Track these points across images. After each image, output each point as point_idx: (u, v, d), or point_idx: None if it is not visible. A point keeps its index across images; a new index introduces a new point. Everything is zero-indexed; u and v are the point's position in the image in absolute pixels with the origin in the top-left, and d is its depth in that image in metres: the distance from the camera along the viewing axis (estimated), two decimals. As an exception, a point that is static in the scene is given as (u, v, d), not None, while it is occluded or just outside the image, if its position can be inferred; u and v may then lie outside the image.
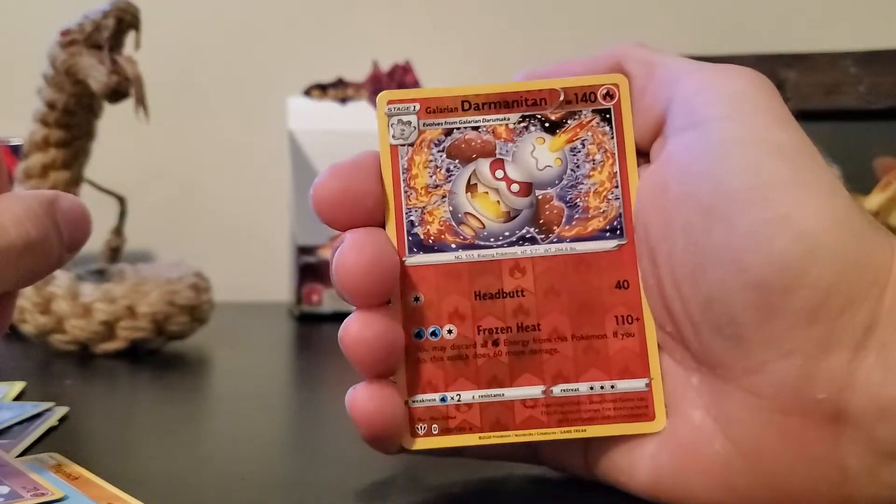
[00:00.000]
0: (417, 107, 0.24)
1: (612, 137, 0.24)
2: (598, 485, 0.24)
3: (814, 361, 0.20)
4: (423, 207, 0.24)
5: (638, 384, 0.23)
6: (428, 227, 0.24)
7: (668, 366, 0.23)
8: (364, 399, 0.23)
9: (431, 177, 0.24)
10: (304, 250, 0.62)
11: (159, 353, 0.47)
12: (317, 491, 0.25)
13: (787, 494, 0.21)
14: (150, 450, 0.29)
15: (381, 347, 0.22)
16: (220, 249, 0.72)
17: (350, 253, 0.22)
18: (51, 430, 0.30)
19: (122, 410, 0.35)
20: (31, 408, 0.32)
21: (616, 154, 0.24)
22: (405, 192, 0.24)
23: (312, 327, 0.59)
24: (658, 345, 0.23)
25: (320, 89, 0.64)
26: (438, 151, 0.24)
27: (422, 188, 0.24)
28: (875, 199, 0.56)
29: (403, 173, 0.24)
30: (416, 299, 0.24)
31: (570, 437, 0.23)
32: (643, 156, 0.24)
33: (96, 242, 0.58)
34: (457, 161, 0.24)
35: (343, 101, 0.63)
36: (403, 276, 0.23)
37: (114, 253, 0.58)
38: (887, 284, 0.19)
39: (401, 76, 0.63)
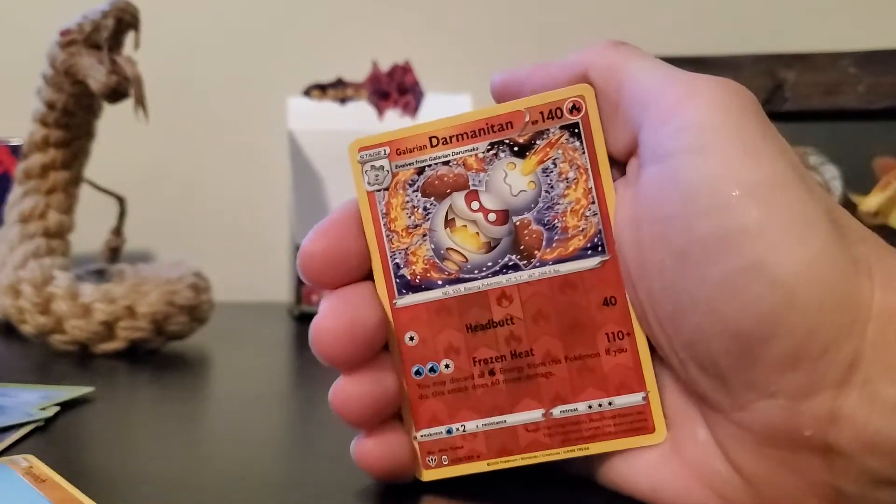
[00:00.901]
0: (388, 150, 0.24)
1: (584, 152, 0.23)
2: (599, 487, 0.24)
3: (797, 403, 0.19)
4: (406, 249, 0.24)
5: (635, 398, 0.23)
6: (413, 267, 0.24)
7: (674, 383, 0.23)
8: (369, 450, 0.24)
9: (410, 217, 0.24)
10: (303, 250, 0.62)
11: (159, 353, 0.47)
12: (317, 491, 0.25)
13: None
14: (150, 450, 0.29)
15: (371, 404, 0.23)
16: (220, 249, 0.72)
17: (325, 320, 0.23)
18: (48, 429, 0.30)
19: (121, 410, 0.35)
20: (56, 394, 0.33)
21: (589, 168, 0.23)
22: (387, 236, 0.24)
23: (312, 327, 0.59)
24: (661, 362, 0.23)
25: (320, 89, 0.64)
26: (413, 191, 0.24)
27: (402, 230, 0.24)
28: (875, 199, 0.56)
29: (383, 218, 0.24)
30: (411, 339, 0.24)
31: (573, 456, 0.24)
32: (620, 166, 0.23)
33: (96, 242, 0.58)
34: (432, 198, 0.24)
35: (343, 101, 0.63)
36: (396, 317, 0.24)
37: (113, 253, 0.58)
38: (869, 319, 0.19)
39: (400, 76, 0.63)
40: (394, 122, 0.63)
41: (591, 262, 0.23)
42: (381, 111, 0.63)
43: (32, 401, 0.33)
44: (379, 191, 0.24)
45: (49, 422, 0.31)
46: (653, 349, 0.23)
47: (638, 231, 0.22)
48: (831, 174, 0.57)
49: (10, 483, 0.24)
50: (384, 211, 0.24)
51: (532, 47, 0.72)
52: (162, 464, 0.27)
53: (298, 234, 0.62)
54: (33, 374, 0.43)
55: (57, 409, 0.32)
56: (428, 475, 0.24)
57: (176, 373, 0.43)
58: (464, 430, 0.24)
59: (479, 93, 0.62)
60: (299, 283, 0.62)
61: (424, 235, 0.24)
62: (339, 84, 0.64)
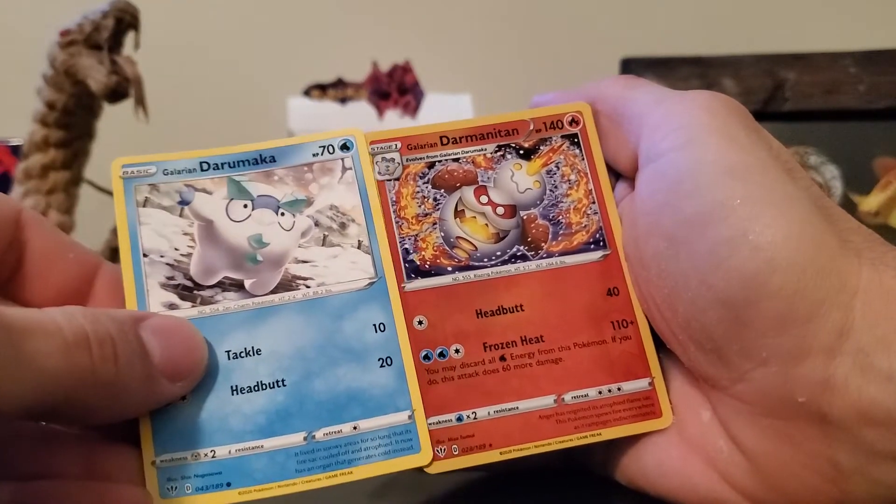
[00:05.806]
0: (399, 144, 0.26)
1: (583, 159, 0.26)
2: (601, 485, 0.24)
3: (789, 367, 0.20)
4: (416, 235, 0.25)
5: (642, 384, 0.24)
6: (423, 252, 0.25)
7: (680, 370, 0.24)
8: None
9: (420, 206, 0.25)
10: (303, 250, 0.62)
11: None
12: (317, 491, 0.25)
13: (786, 493, 0.21)
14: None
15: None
16: (220, 249, 0.72)
17: None
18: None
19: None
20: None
21: (589, 173, 0.26)
22: (396, 222, 0.25)
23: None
24: (666, 352, 0.24)
25: (320, 89, 0.64)
26: (424, 183, 0.25)
27: (412, 217, 0.25)
28: (875, 199, 0.56)
29: (392, 205, 0.25)
30: (420, 322, 0.24)
31: (587, 442, 0.24)
32: (630, 182, 0.25)
33: (97, 243, 0.58)
34: (442, 190, 0.25)
35: (343, 101, 0.63)
36: (404, 301, 0.24)
37: (114, 253, 0.58)
38: (857, 291, 0.20)
39: (400, 76, 0.63)
40: (394, 122, 0.63)
41: (594, 255, 0.25)
42: (381, 111, 0.63)
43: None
44: (389, 180, 0.25)
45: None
46: (657, 339, 0.24)
47: (635, 228, 0.24)
48: (831, 174, 0.57)
49: None
50: (394, 199, 0.25)
51: (532, 48, 0.72)
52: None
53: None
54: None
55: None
56: (438, 467, 0.23)
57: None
58: (475, 418, 0.24)
59: (479, 93, 0.62)
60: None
61: (434, 224, 0.25)
62: (340, 84, 0.64)
